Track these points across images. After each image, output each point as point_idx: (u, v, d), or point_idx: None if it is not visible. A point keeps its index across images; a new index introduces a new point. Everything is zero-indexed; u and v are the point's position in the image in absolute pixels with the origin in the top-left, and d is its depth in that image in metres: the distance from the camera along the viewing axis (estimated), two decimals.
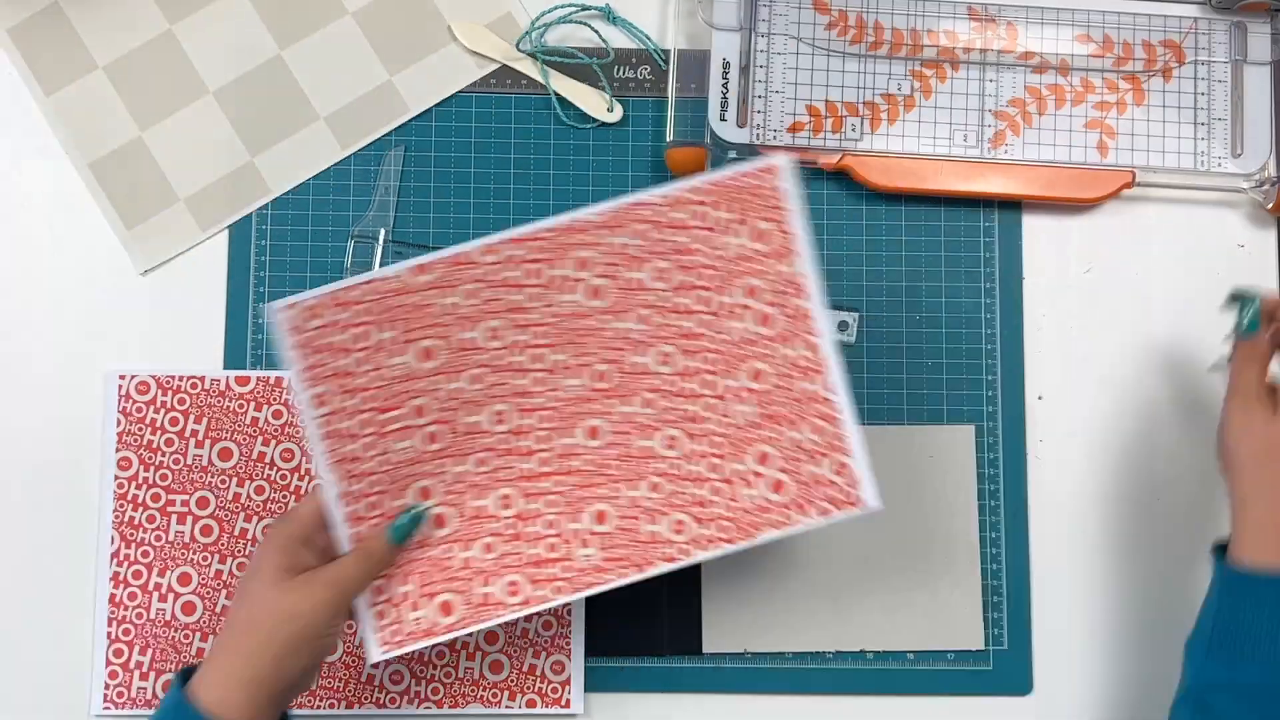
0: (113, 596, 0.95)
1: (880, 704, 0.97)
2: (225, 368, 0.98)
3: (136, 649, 0.95)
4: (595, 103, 1.00)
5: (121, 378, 0.97)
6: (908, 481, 0.98)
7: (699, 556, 0.87)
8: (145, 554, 0.95)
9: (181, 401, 0.97)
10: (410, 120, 1.00)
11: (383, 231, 0.99)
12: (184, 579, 0.95)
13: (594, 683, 0.96)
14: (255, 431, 0.96)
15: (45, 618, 0.96)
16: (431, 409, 0.85)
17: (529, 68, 1.00)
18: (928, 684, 0.97)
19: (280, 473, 0.96)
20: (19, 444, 0.97)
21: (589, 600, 0.95)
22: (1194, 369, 1.00)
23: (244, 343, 0.98)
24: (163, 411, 0.96)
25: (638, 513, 0.87)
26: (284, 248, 0.99)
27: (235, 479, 0.96)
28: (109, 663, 0.95)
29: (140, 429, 0.96)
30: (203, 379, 0.97)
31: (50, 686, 0.95)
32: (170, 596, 0.95)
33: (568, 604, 0.93)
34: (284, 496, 0.96)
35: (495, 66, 1.01)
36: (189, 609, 0.95)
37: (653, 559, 0.87)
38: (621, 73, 1.01)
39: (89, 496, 0.96)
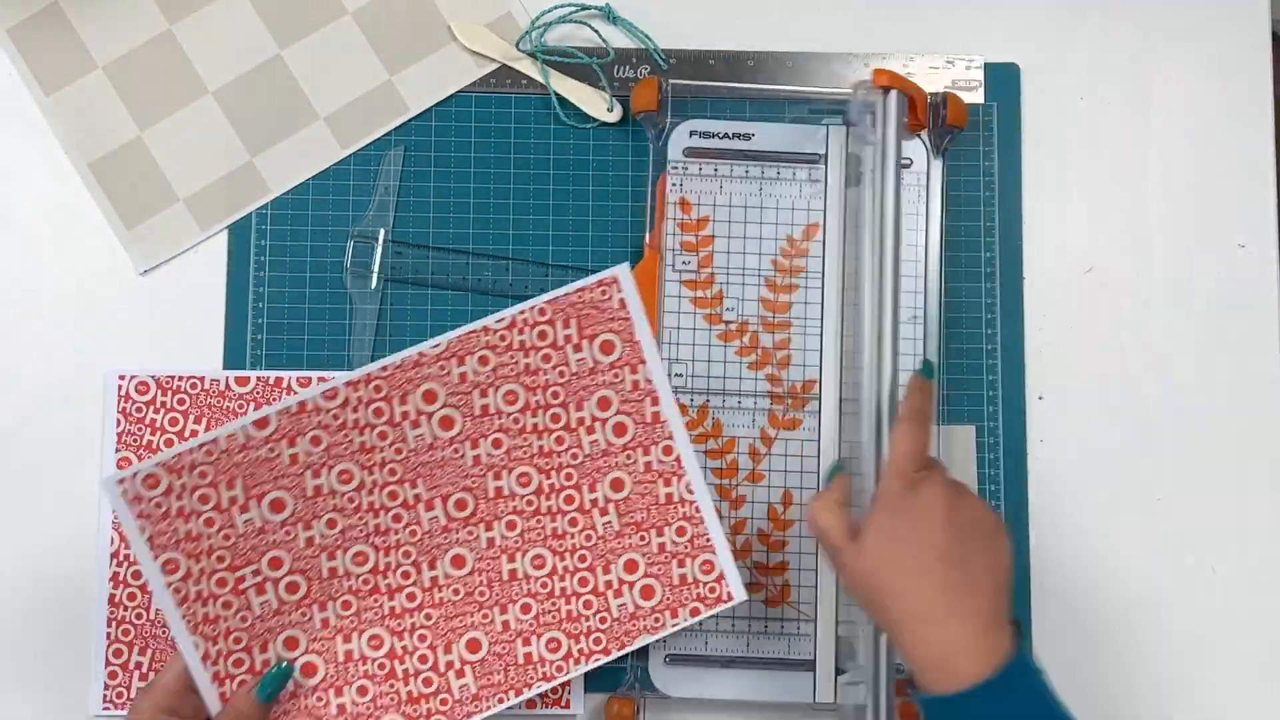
0: (112, 597, 0.95)
1: None
2: (225, 368, 0.98)
3: (136, 649, 0.95)
4: (595, 103, 1.00)
5: (121, 378, 0.97)
6: None
7: (576, 671, 0.90)
8: None
9: (181, 402, 0.97)
10: (410, 120, 1.00)
11: (382, 231, 0.99)
12: None
13: (594, 684, 0.96)
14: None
15: (45, 617, 0.96)
16: (287, 560, 0.86)
17: (529, 68, 1.00)
18: None
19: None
20: (18, 444, 0.98)
21: None
22: (1194, 369, 1.00)
23: (244, 343, 0.98)
24: (163, 412, 0.97)
25: (511, 636, 0.90)
26: (284, 248, 0.99)
27: None
28: (108, 663, 0.95)
29: (140, 429, 0.96)
30: (202, 379, 0.97)
31: (50, 686, 0.96)
32: None
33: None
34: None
35: (495, 66, 1.01)
36: None
37: (530, 680, 0.90)
38: (621, 73, 1.01)
39: (89, 496, 0.96)
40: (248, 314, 0.99)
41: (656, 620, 0.90)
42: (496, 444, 0.89)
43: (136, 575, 0.95)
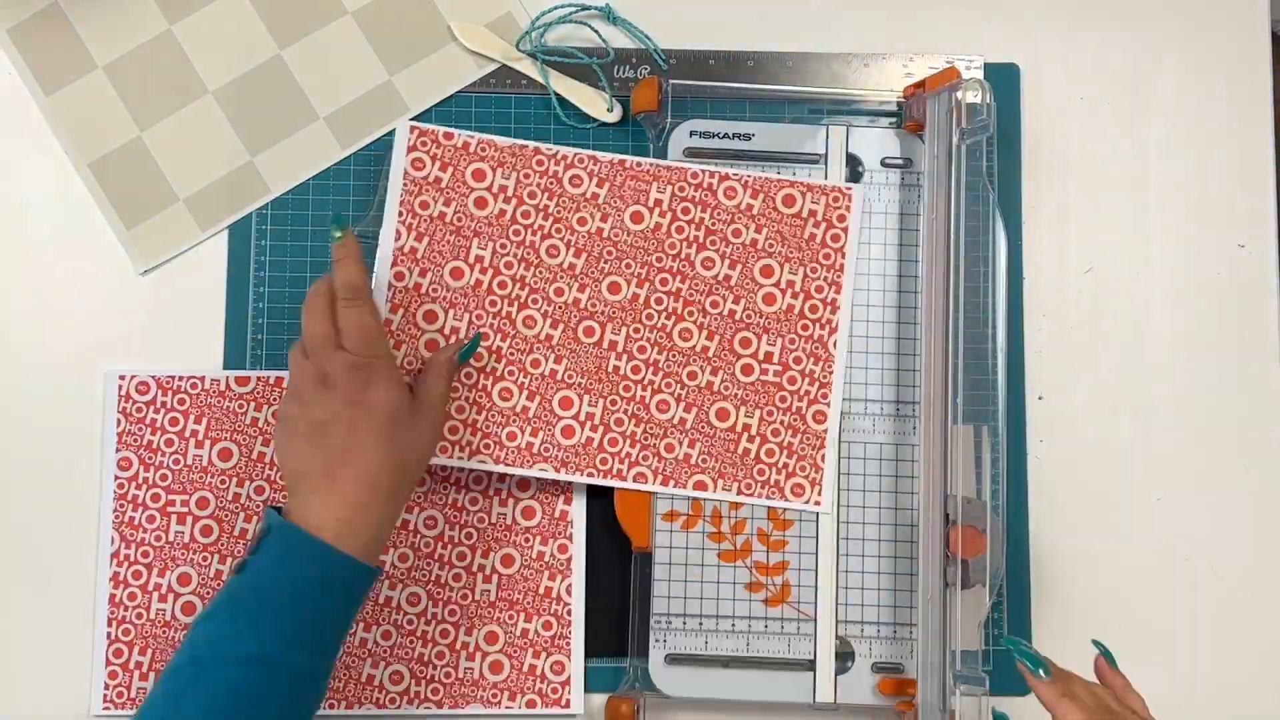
0: (112, 597, 0.95)
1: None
2: (225, 367, 0.98)
3: (136, 649, 0.95)
4: (595, 103, 1.00)
5: (121, 378, 0.97)
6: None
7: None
8: (145, 554, 0.96)
9: (181, 402, 0.97)
10: (410, 120, 1.00)
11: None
12: (184, 579, 0.95)
13: (594, 683, 0.96)
14: (255, 432, 0.96)
15: (45, 618, 0.96)
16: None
17: (529, 68, 1.00)
18: None
19: (280, 473, 0.96)
20: (18, 444, 0.97)
21: (589, 601, 0.95)
22: (1194, 369, 1.00)
23: (244, 343, 0.98)
24: (163, 412, 0.97)
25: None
26: (284, 248, 0.99)
27: (235, 479, 0.96)
28: (109, 663, 0.95)
29: (140, 429, 0.96)
30: (202, 379, 0.97)
31: (50, 686, 0.95)
32: (170, 596, 0.95)
33: (567, 606, 0.95)
34: (283, 497, 0.96)
35: (495, 66, 1.01)
36: (189, 609, 0.95)
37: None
38: (621, 73, 1.01)
39: (89, 496, 0.96)
40: (248, 314, 0.99)
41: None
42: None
43: (137, 575, 0.95)
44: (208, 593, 0.95)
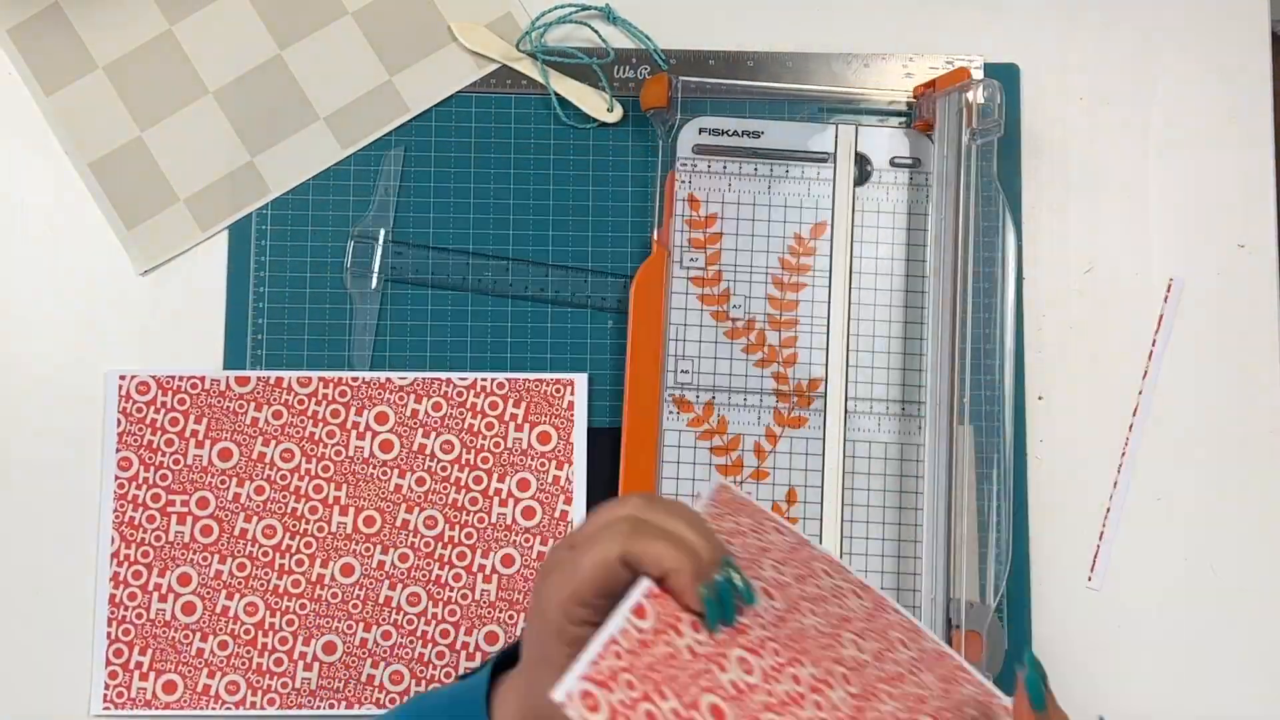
0: (112, 597, 0.95)
1: None
2: (225, 368, 0.98)
3: (136, 649, 0.95)
4: (595, 103, 1.00)
5: (122, 378, 0.97)
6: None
7: None
8: (145, 554, 0.96)
9: (182, 402, 0.97)
10: (410, 120, 1.00)
11: (383, 231, 0.99)
12: (184, 579, 0.95)
13: None
14: (255, 432, 0.96)
15: (45, 617, 0.96)
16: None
17: (529, 68, 1.00)
18: None
19: (280, 473, 0.96)
20: (18, 444, 0.97)
21: None
22: (1194, 369, 1.00)
23: (244, 343, 0.98)
24: (163, 412, 0.97)
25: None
26: (284, 248, 0.99)
27: (235, 479, 0.96)
28: (109, 663, 0.95)
29: (140, 429, 0.96)
30: (203, 379, 0.97)
31: (50, 686, 0.95)
32: (170, 596, 0.95)
33: None
34: (284, 497, 0.96)
35: (495, 66, 1.01)
36: (189, 609, 0.95)
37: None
38: (621, 73, 1.01)
39: (89, 496, 0.96)
40: (248, 314, 0.98)
41: None
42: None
43: (137, 575, 0.95)
44: (207, 593, 0.95)
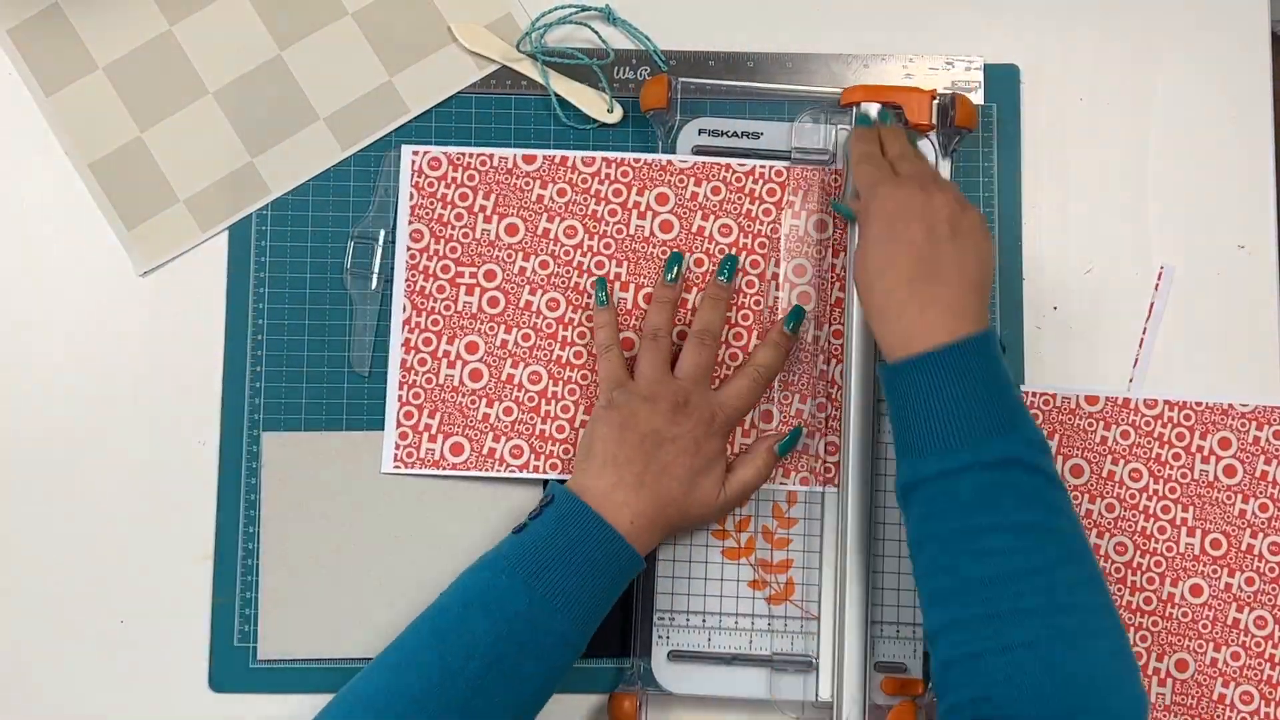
0: (404, 362, 0.97)
1: None
2: (225, 368, 0.98)
3: (426, 412, 0.97)
4: (595, 103, 1.00)
5: (415, 153, 0.99)
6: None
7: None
8: (435, 322, 0.98)
9: (471, 178, 0.99)
10: (410, 120, 1.00)
11: (383, 232, 0.99)
12: (471, 347, 0.97)
13: (596, 681, 0.96)
14: (540, 209, 0.98)
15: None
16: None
17: (529, 68, 1.00)
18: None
19: (564, 248, 0.98)
20: (19, 443, 0.97)
21: None
22: (1194, 370, 1.00)
23: (244, 343, 0.98)
24: (453, 187, 0.98)
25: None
26: (284, 248, 0.99)
27: (521, 253, 0.98)
28: (399, 424, 0.97)
29: (431, 203, 0.99)
30: (491, 156, 0.99)
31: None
32: (459, 363, 0.97)
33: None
34: (567, 271, 0.98)
35: (495, 67, 1.01)
36: (476, 375, 0.97)
37: None
38: (621, 73, 1.01)
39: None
40: (248, 314, 0.98)
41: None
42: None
43: (427, 342, 0.98)
44: (494, 360, 0.97)
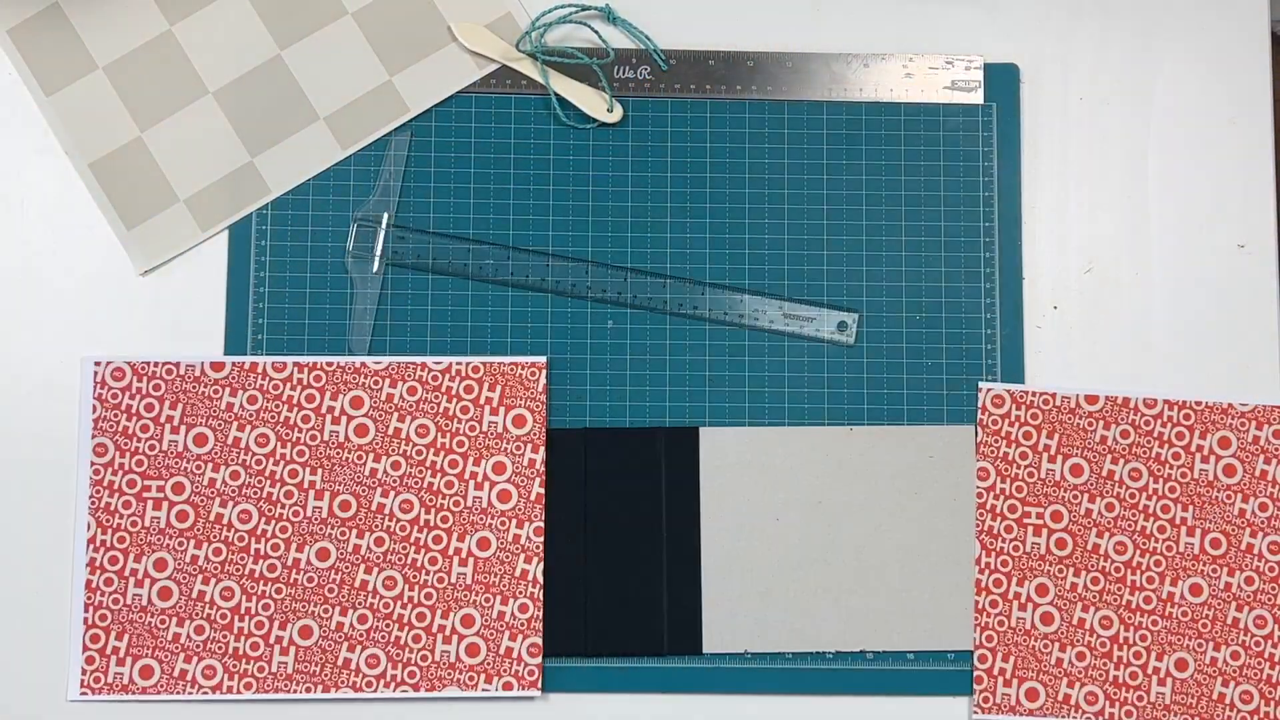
0: (89, 582, 0.95)
1: (880, 704, 0.97)
2: None
3: (113, 634, 0.95)
4: (595, 103, 1.00)
5: (97, 364, 0.97)
6: (908, 481, 0.98)
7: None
8: (121, 539, 0.96)
9: (157, 388, 0.97)
10: (410, 120, 1.00)
11: (385, 216, 0.99)
12: (160, 564, 0.95)
13: (595, 683, 0.96)
14: (230, 417, 0.97)
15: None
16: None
17: (529, 68, 1.00)
18: (928, 684, 0.97)
19: (255, 458, 0.96)
20: (17, 445, 0.98)
21: (588, 600, 0.96)
22: (1194, 370, 1.00)
23: (244, 343, 0.98)
24: (138, 398, 0.97)
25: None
26: (284, 248, 0.99)
27: (211, 464, 0.96)
28: (86, 648, 0.95)
29: (116, 415, 0.96)
30: (178, 365, 0.97)
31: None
32: (147, 581, 0.95)
33: (543, 589, 0.96)
34: (259, 481, 0.96)
35: (495, 67, 1.01)
36: (166, 594, 0.95)
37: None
38: (621, 73, 1.01)
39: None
40: (248, 314, 0.98)
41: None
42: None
43: (114, 560, 0.95)
44: (184, 578, 0.95)
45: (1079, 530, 0.96)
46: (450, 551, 0.96)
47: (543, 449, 0.97)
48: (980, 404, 0.98)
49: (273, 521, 0.96)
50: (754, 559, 0.97)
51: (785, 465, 0.98)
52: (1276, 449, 0.97)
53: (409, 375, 0.97)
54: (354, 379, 0.97)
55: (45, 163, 0.99)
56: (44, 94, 1.00)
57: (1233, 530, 0.96)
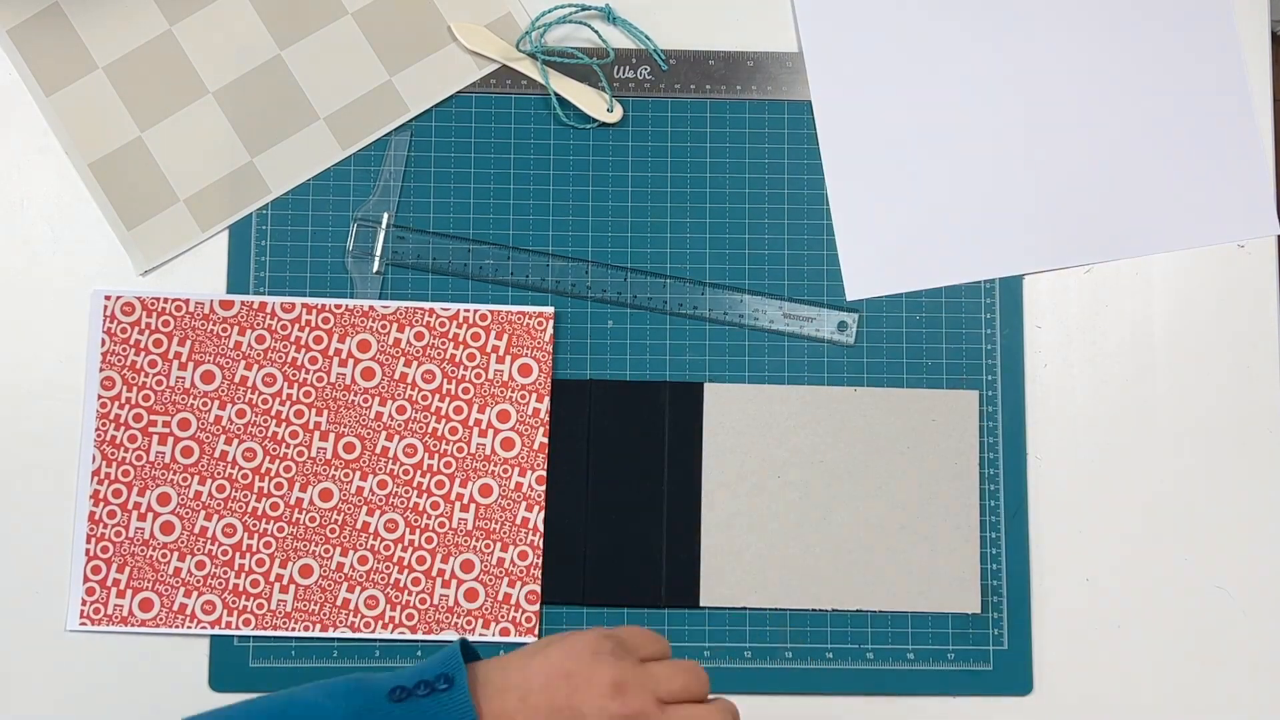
0: (92, 514, 0.96)
1: (880, 704, 0.97)
2: None
3: (114, 566, 0.96)
4: (595, 103, 1.00)
5: (107, 298, 0.97)
6: (910, 443, 0.98)
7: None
8: (126, 473, 0.96)
9: (166, 324, 0.97)
10: (410, 120, 1.00)
11: (385, 216, 0.99)
12: (163, 499, 0.96)
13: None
14: (238, 356, 0.97)
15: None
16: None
17: (529, 68, 1.00)
18: (928, 684, 0.97)
19: (262, 397, 0.97)
20: (15, 444, 0.98)
21: (587, 549, 0.97)
22: (1194, 370, 1.00)
23: None
24: (147, 333, 0.97)
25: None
26: (284, 248, 0.99)
27: (217, 402, 0.97)
28: (86, 579, 0.96)
29: (124, 350, 0.97)
30: (187, 302, 0.98)
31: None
32: (150, 516, 0.96)
33: (543, 537, 0.97)
34: (264, 421, 0.97)
35: (495, 67, 1.01)
36: (168, 529, 0.96)
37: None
38: (621, 73, 1.01)
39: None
40: None
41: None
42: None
43: (117, 493, 0.96)
44: (186, 513, 0.96)
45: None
46: (452, 497, 0.97)
47: (547, 398, 0.97)
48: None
49: (277, 461, 0.96)
50: (754, 515, 0.97)
51: (788, 423, 0.98)
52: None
53: (417, 320, 0.98)
54: (362, 322, 0.97)
55: (45, 163, 0.99)
56: (44, 94, 1.00)
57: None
